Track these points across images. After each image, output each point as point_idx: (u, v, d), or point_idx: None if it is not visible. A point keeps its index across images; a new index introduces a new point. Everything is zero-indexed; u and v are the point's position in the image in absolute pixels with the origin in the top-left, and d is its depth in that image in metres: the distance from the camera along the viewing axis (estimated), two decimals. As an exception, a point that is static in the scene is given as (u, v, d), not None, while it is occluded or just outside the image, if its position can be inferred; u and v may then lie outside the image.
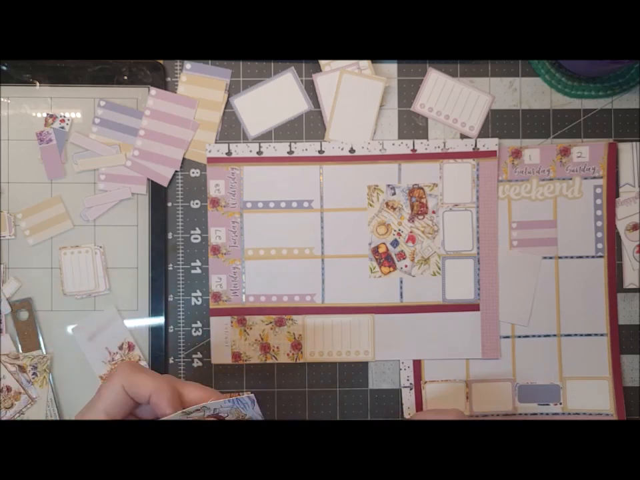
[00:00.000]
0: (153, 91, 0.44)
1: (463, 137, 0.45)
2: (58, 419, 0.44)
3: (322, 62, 0.44)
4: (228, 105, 0.45)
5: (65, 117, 0.44)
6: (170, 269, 0.45)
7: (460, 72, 0.45)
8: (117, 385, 0.32)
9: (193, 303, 0.45)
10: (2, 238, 0.44)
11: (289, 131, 0.45)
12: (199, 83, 0.44)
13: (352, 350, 0.44)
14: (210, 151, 0.44)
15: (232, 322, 0.44)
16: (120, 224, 0.44)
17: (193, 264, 0.45)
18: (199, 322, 0.45)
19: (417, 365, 0.45)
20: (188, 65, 0.44)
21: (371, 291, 0.44)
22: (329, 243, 0.44)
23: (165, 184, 0.44)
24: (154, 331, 0.44)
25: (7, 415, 0.43)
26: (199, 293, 0.45)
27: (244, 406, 0.32)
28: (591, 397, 0.44)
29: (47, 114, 0.44)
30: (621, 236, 0.45)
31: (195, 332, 0.45)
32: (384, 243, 0.45)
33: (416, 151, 0.44)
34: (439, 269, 0.45)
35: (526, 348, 0.45)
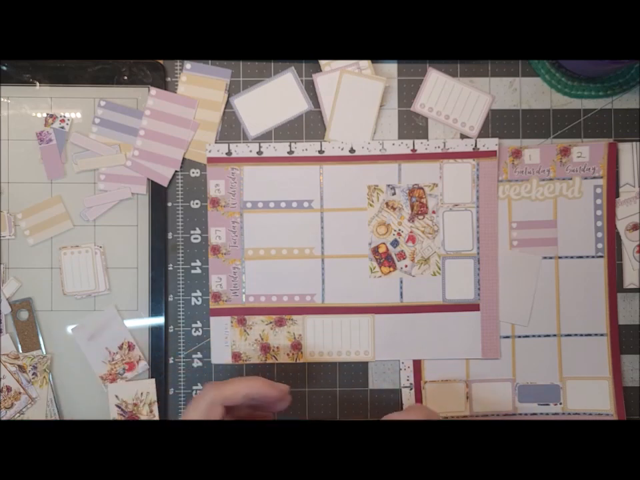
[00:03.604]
0: (153, 90, 0.44)
1: (462, 136, 0.45)
2: (58, 419, 0.44)
3: (322, 62, 0.44)
4: (228, 104, 0.45)
5: (65, 117, 0.44)
6: (170, 268, 0.45)
7: (460, 72, 0.45)
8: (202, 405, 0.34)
9: (193, 303, 0.45)
10: (2, 238, 0.44)
11: (288, 131, 0.45)
12: (199, 83, 0.44)
13: (352, 350, 0.44)
14: (210, 151, 0.44)
15: (232, 322, 0.44)
16: (120, 224, 0.44)
17: (193, 264, 0.45)
18: (198, 322, 0.45)
19: (417, 364, 0.45)
20: (188, 64, 0.44)
21: (371, 291, 0.44)
22: (328, 242, 0.44)
23: (165, 184, 0.44)
24: (154, 330, 0.44)
25: (7, 415, 0.43)
26: (199, 293, 0.45)
27: None
28: (591, 397, 0.44)
29: (47, 114, 0.44)
30: (621, 236, 0.45)
31: (194, 332, 0.45)
32: (384, 243, 0.45)
33: (416, 151, 0.44)
34: (439, 268, 0.45)
35: (526, 348, 0.45)
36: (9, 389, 0.43)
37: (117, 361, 0.44)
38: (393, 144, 0.44)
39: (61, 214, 0.44)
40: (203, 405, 0.34)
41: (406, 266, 0.44)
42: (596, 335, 0.44)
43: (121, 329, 0.44)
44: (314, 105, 0.45)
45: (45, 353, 0.44)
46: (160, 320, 0.44)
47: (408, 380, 0.44)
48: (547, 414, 0.45)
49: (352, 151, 0.44)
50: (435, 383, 0.44)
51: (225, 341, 0.44)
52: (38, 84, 0.44)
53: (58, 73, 0.44)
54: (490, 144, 0.44)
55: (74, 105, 0.44)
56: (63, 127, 0.44)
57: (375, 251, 0.45)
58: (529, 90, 0.45)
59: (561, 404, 0.44)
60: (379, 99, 0.44)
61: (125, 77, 0.44)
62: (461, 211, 0.44)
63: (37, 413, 0.43)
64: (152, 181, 0.44)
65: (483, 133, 0.45)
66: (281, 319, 0.44)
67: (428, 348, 0.44)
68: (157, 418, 0.44)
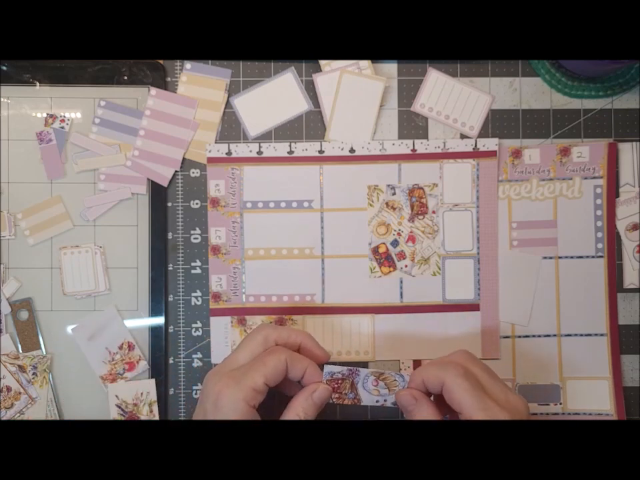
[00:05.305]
0: (153, 90, 0.44)
1: (463, 136, 0.45)
2: (58, 419, 0.44)
3: (322, 62, 0.44)
4: (228, 104, 0.45)
5: (65, 116, 0.44)
6: (170, 268, 0.45)
7: (460, 72, 0.45)
8: (282, 357, 0.35)
9: (192, 303, 0.45)
10: (2, 238, 0.44)
11: (288, 130, 0.45)
12: (199, 83, 0.44)
13: (352, 350, 0.44)
14: (210, 151, 0.44)
15: (232, 322, 0.44)
16: (120, 224, 0.44)
17: (193, 264, 0.45)
18: (198, 322, 0.45)
19: (417, 365, 0.44)
20: (188, 64, 0.44)
21: (371, 291, 0.44)
22: (328, 243, 0.44)
23: (165, 184, 0.44)
24: (154, 331, 0.44)
25: (7, 415, 0.43)
26: (199, 293, 0.45)
27: (358, 376, 0.37)
28: (591, 397, 0.44)
29: (47, 114, 0.44)
30: (621, 236, 0.45)
31: (194, 332, 0.45)
32: (384, 243, 0.45)
33: (416, 151, 0.44)
34: (439, 268, 0.45)
35: (526, 348, 0.44)
36: (9, 388, 0.43)
37: (116, 361, 0.44)
38: (393, 144, 0.44)
39: (61, 214, 0.44)
40: (259, 339, 0.36)
41: (406, 266, 0.44)
42: (596, 335, 0.44)
43: (120, 329, 0.44)
44: (314, 105, 0.45)
45: (45, 353, 0.44)
46: (160, 320, 0.44)
47: (408, 380, 0.44)
48: (547, 414, 0.44)
49: (352, 151, 0.44)
50: (435, 382, 0.44)
51: (225, 341, 0.44)
52: (38, 84, 0.44)
53: (58, 72, 0.44)
54: (490, 144, 0.44)
55: (74, 105, 0.44)
56: (62, 127, 0.44)
57: (375, 251, 0.45)
58: (528, 90, 0.45)
59: (560, 404, 0.44)
60: (379, 99, 0.44)
61: (125, 77, 0.44)
62: (461, 211, 0.44)
63: (37, 412, 0.43)
64: (152, 181, 0.44)
65: (483, 133, 0.45)
66: (280, 318, 0.44)
67: (428, 348, 0.44)
68: (157, 418, 0.44)
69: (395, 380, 0.37)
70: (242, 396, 0.33)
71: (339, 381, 0.37)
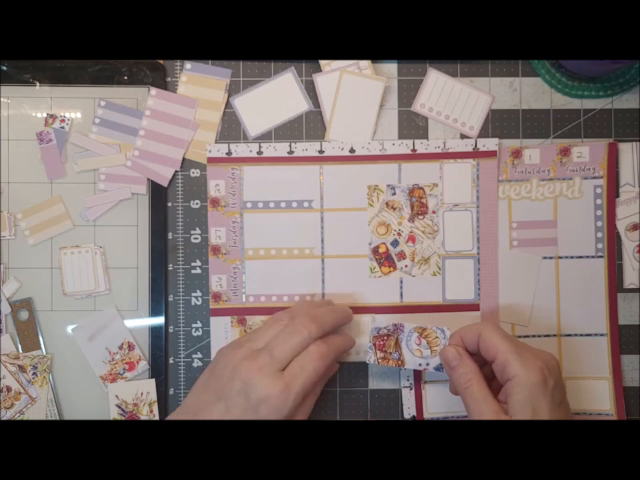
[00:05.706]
0: (153, 90, 0.44)
1: (463, 136, 0.45)
2: (58, 419, 0.44)
3: (322, 62, 0.44)
4: (228, 104, 0.45)
5: (65, 116, 0.44)
6: (170, 269, 0.45)
7: (460, 72, 0.45)
8: (330, 360, 0.37)
9: (193, 303, 0.45)
10: (2, 238, 0.44)
11: (289, 130, 0.45)
12: (199, 83, 0.44)
13: (352, 350, 0.44)
14: (210, 151, 0.44)
15: (232, 322, 0.44)
16: (120, 224, 0.44)
17: (193, 264, 0.45)
18: (198, 322, 0.45)
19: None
20: (188, 64, 0.44)
21: (371, 291, 0.44)
22: (329, 242, 0.44)
23: (165, 184, 0.44)
24: (154, 330, 0.44)
25: (7, 415, 0.43)
26: (199, 293, 0.45)
27: (402, 332, 0.40)
28: (591, 397, 0.44)
29: (47, 114, 0.44)
30: (621, 236, 0.45)
31: (195, 332, 0.45)
32: (384, 243, 0.45)
33: (416, 151, 0.44)
34: (439, 268, 0.45)
35: (526, 348, 0.44)
36: (9, 389, 0.43)
37: (117, 361, 0.44)
38: (393, 144, 0.44)
39: (61, 214, 0.44)
40: (304, 338, 0.37)
41: (406, 266, 0.44)
42: (596, 335, 0.44)
43: (121, 329, 0.44)
44: (314, 105, 0.45)
45: (45, 353, 0.44)
46: (160, 320, 0.44)
47: (408, 380, 0.44)
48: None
49: (352, 151, 0.44)
50: (435, 383, 0.44)
51: (225, 341, 0.44)
52: (38, 84, 0.44)
53: (58, 73, 0.44)
54: (490, 144, 0.44)
55: (74, 105, 0.44)
56: (63, 127, 0.44)
57: (375, 250, 0.45)
58: (529, 90, 0.45)
59: (561, 404, 0.44)
60: (379, 99, 0.44)
61: (125, 77, 0.44)
62: (461, 211, 0.44)
63: (37, 412, 0.43)
64: (152, 181, 0.44)
65: (483, 133, 0.45)
66: (281, 319, 0.44)
67: (428, 348, 0.44)
68: (157, 418, 0.44)
69: (437, 337, 0.39)
70: (297, 403, 0.35)
71: (385, 338, 0.39)
